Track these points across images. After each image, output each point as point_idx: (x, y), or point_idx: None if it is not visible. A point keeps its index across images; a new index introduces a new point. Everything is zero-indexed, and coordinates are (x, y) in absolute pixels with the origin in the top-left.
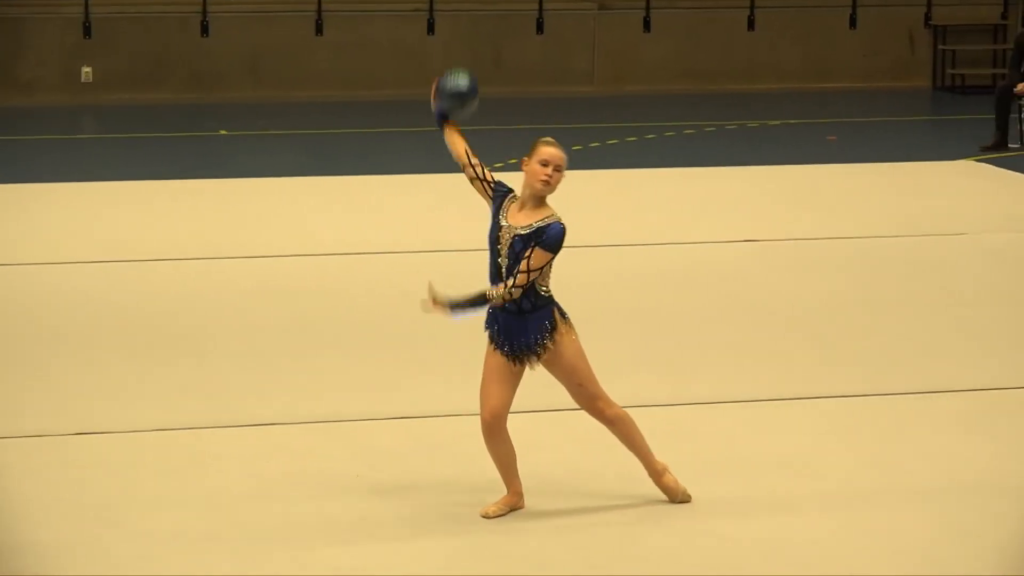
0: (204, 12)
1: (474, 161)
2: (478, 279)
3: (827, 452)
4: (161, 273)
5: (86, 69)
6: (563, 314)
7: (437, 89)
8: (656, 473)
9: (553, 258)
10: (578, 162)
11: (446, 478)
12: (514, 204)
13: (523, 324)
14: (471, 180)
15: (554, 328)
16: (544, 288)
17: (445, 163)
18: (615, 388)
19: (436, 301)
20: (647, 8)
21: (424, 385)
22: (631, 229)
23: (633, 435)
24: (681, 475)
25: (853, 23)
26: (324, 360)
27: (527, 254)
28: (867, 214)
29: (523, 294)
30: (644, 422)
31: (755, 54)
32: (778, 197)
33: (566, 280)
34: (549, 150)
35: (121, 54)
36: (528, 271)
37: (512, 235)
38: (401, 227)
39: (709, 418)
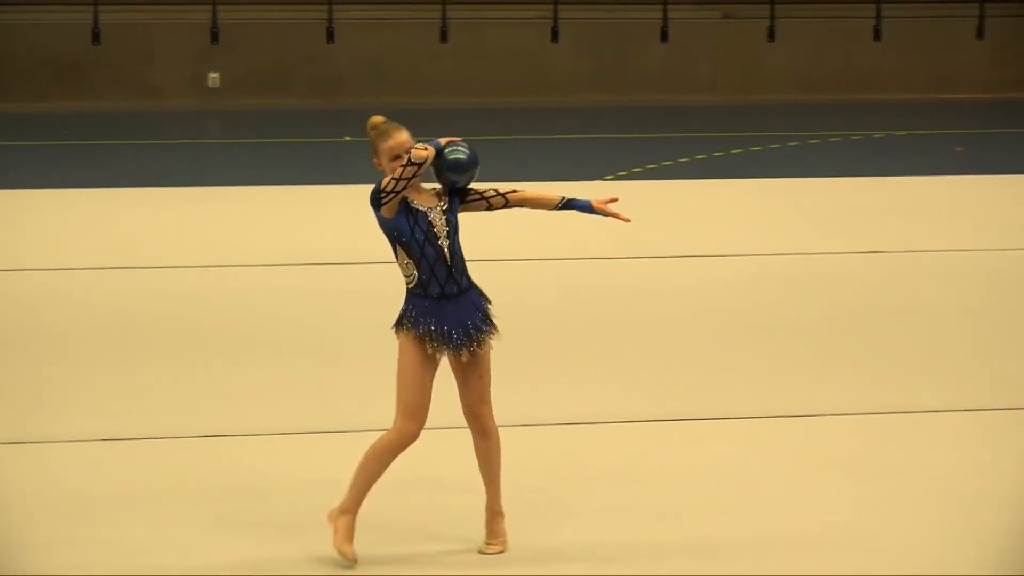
0: (330, 18)
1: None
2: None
3: (930, 462)
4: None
5: (213, 75)
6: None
7: (436, 165)
8: (495, 511)
9: None
10: (703, 171)
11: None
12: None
13: (466, 301)
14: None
15: (488, 308)
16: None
17: (543, 171)
18: (715, 395)
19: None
20: (771, 17)
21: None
22: (753, 239)
23: (496, 458)
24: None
25: (981, 33)
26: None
27: (484, 193)
28: (993, 226)
29: (462, 272)
30: (740, 431)
31: (881, 63)
32: (904, 208)
33: (676, 287)
34: (389, 144)
35: (247, 60)
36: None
37: (441, 213)
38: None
39: (797, 428)
